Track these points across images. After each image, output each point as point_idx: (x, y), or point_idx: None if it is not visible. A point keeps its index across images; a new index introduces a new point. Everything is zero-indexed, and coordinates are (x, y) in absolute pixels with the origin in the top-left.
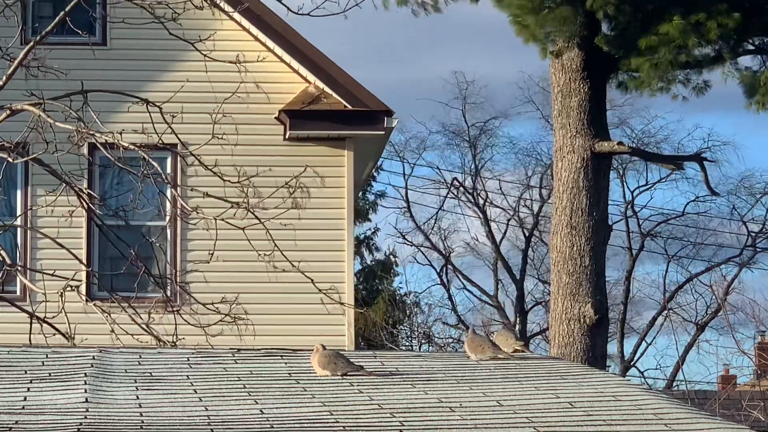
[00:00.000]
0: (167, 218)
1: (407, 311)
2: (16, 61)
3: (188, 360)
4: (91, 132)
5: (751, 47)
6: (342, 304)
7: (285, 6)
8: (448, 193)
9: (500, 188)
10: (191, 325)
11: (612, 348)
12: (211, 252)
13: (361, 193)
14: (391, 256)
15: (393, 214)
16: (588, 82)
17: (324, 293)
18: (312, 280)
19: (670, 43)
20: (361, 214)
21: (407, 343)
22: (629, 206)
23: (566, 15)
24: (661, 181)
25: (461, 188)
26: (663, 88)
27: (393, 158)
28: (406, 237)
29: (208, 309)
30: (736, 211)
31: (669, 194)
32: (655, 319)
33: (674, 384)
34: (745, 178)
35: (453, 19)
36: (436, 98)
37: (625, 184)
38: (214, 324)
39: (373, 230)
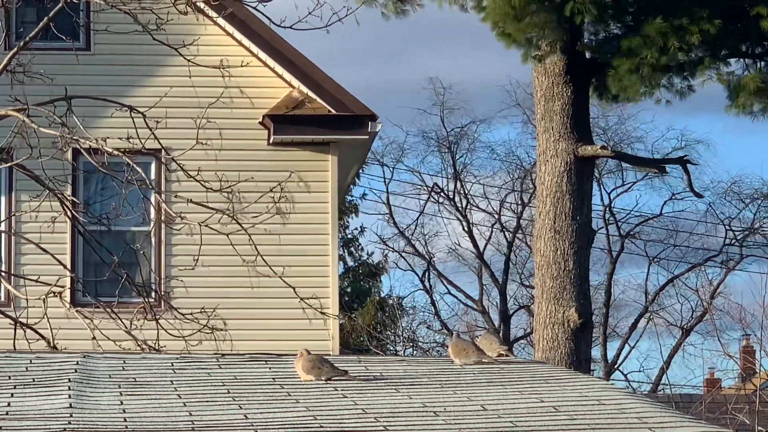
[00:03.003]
0: (151, 224)
1: (394, 316)
2: (0, 67)
3: (172, 365)
4: (75, 137)
5: (732, 50)
6: (323, 313)
7: (268, 18)
8: (428, 198)
9: (484, 193)
10: (168, 332)
11: (595, 352)
12: (195, 258)
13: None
14: (383, 262)
15: (377, 220)
16: (571, 86)
17: (304, 301)
18: (294, 289)
19: (652, 46)
20: (347, 212)
21: (392, 348)
22: (608, 208)
23: (548, 21)
24: (638, 182)
25: (441, 193)
26: (646, 92)
27: (372, 163)
28: (387, 243)
29: (187, 319)
30: (716, 214)
31: (646, 194)
32: (637, 321)
33: (659, 387)
34: (735, 183)
35: (433, 20)
36: (416, 101)
37: (602, 186)
38: (193, 334)
39: (359, 230)
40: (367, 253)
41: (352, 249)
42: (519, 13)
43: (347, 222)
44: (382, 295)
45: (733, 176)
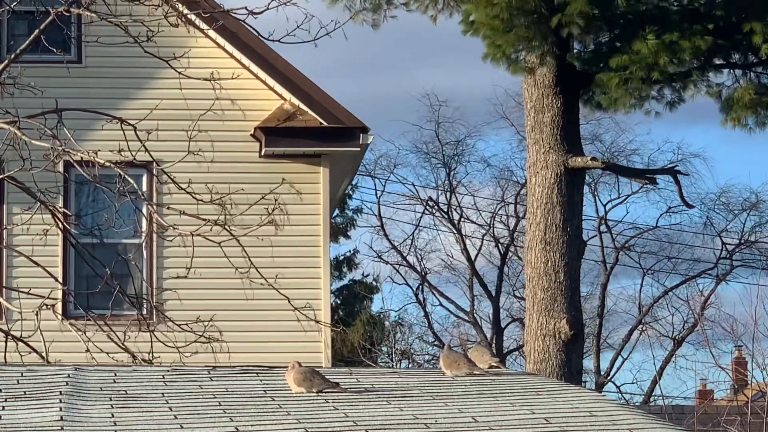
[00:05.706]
0: (143, 236)
1: (386, 333)
2: None
3: (163, 378)
4: (66, 149)
5: (721, 62)
6: (318, 322)
7: (256, 32)
8: (423, 211)
9: (475, 204)
10: (164, 344)
11: (588, 363)
12: (188, 267)
13: (339, 210)
14: (374, 281)
15: (368, 233)
16: (561, 98)
17: (299, 311)
18: (287, 298)
19: (642, 62)
20: (340, 231)
21: (386, 361)
22: (602, 220)
23: (535, 33)
24: (633, 194)
25: (435, 206)
26: (636, 104)
27: (364, 176)
28: (382, 257)
29: (183, 329)
30: (712, 226)
31: (642, 207)
32: (630, 333)
33: (651, 399)
34: (724, 193)
35: (424, 33)
36: (410, 112)
37: (597, 198)
38: (189, 344)
39: (352, 251)
40: (363, 274)
41: (345, 269)
42: (506, 26)
43: (348, 234)
44: (373, 312)
45: (722, 186)
